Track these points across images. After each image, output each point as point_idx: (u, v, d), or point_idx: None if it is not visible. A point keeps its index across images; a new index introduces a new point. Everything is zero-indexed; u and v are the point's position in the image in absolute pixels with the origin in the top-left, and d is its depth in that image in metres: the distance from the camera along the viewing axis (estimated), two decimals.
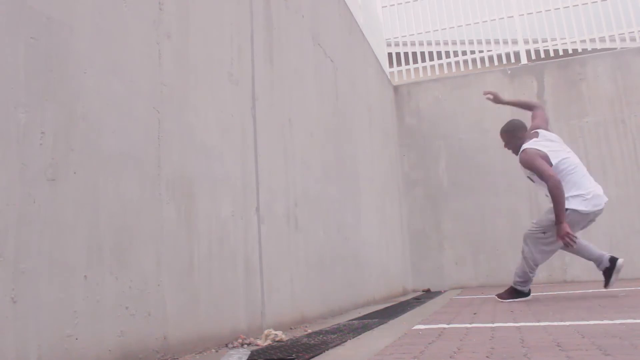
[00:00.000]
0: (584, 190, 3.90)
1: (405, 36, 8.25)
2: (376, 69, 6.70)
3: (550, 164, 3.93)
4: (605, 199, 3.97)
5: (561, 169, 3.94)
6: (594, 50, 7.72)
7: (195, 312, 2.21)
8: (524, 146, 4.09)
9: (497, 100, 4.50)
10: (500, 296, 4.22)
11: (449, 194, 7.49)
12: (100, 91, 1.83)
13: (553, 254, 4.16)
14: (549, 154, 3.99)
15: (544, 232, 4.02)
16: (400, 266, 6.62)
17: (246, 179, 2.79)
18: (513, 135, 4.23)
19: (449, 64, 8.13)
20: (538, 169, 3.91)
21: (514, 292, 4.16)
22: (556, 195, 3.79)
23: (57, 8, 1.69)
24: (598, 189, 3.96)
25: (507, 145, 4.27)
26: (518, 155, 4.14)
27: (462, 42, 8.07)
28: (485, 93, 4.53)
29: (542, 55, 7.80)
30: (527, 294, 4.18)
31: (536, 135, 4.16)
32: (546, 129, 4.24)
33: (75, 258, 1.64)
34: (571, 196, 3.88)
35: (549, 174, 3.84)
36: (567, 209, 3.85)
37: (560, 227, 3.79)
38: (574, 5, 7.60)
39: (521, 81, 7.45)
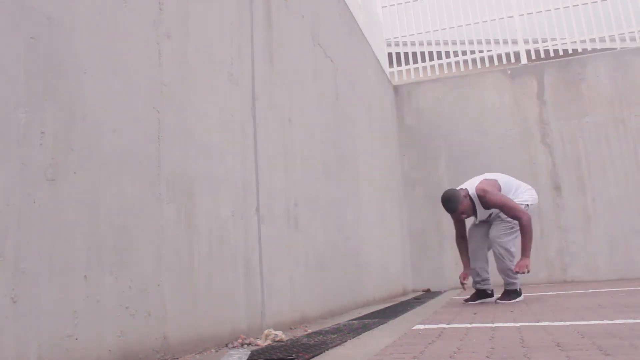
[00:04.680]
0: (526, 186, 4.30)
1: (405, 36, 8.25)
2: (376, 69, 6.70)
3: (500, 187, 4.14)
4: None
5: (504, 181, 4.22)
6: (594, 50, 7.72)
7: (195, 312, 2.21)
8: (477, 188, 4.08)
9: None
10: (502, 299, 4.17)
11: None
12: (100, 91, 1.83)
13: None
14: (490, 178, 4.22)
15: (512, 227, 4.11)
16: (400, 266, 6.62)
17: (246, 179, 2.79)
18: (460, 202, 4.09)
19: (449, 64, 8.13)
20: (508, 206, 4.00)
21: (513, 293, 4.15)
22: (529, 230, 3.97)
23: (57, 8, 1.69)
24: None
25: (465, 213, 4.17)
26: (481, 201, 4.09)
27: (462, 42, 8.07)
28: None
29: (542, 55, 7.79)
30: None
31: (464, 190, 4.21)
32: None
33: (75, 258, 1.64)
34: (521, 192, 4.20)
35: (521, 211, 3.99)
36: (526, 204, 4.13)
37: (525, 260, 3.94)
38: (574, 5, 7.59)
39: (521, 81, 7.45)
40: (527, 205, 4.13)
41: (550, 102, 7.29)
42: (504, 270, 4.12)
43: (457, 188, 4.28)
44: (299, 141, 3.60)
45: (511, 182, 4.25)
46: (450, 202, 4.09)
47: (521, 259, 3.96)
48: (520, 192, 4.20)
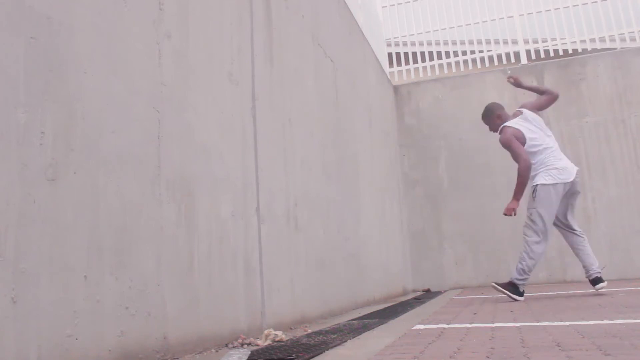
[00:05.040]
0: (548, 165, 4.24)
1: (405, 36, 8.25)
2: (376, 69, 6.70)
3: (524, 142, 4.27)
4: (574, 170, 4.25)
5: (532, 150, 4.26)
6: (594, 50, 7.71)
7: (195, 312, 2.21)
8: (503, 125, 4.40)
9: (517, 84, 4.66)
10: (501, 285, 4.20)
11: (448, 194, 7.48)
12: (100, 91, 1.83)
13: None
14: (524, 132, 4.31)
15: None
16: (400, 266, 6.62)
17: (246, 179, 2.79)
18: (490, 118, 4.54)
19: (449, 64, 8.12)
20: (513, 151, 4.28)
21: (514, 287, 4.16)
22: (522, 176, 4.20)
23: (57, 8, 1.69)
24: (566, 163, 4.28)
25: (491, 128, 4.58)
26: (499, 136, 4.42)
27: (462, 42, 8.07)
28: (508, 77, 4.69)
29: (542, 55, 7.79)
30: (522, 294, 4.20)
31: (519, 113, 4.46)
32: (532, 110, 4.48)
33: (75, 258, 1.64)
34: (537, 174, 4.23)
35: (523, 157, 4.21)
36: (535, 185, 4.20)
37: (512, 202, 4.22)
38: (574, 5, 7.59)
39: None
40: (536, 186, 4.15)
41: None
42: (518, 261, 4.19)
43: (518, 109, 4.54)
44: (299, 141, 3.60)
45: (540, 154, 4.25)
46: (484, 111, 4.61)
47: (510, 202, 4.22)
48: (539, 172, 4.20)
